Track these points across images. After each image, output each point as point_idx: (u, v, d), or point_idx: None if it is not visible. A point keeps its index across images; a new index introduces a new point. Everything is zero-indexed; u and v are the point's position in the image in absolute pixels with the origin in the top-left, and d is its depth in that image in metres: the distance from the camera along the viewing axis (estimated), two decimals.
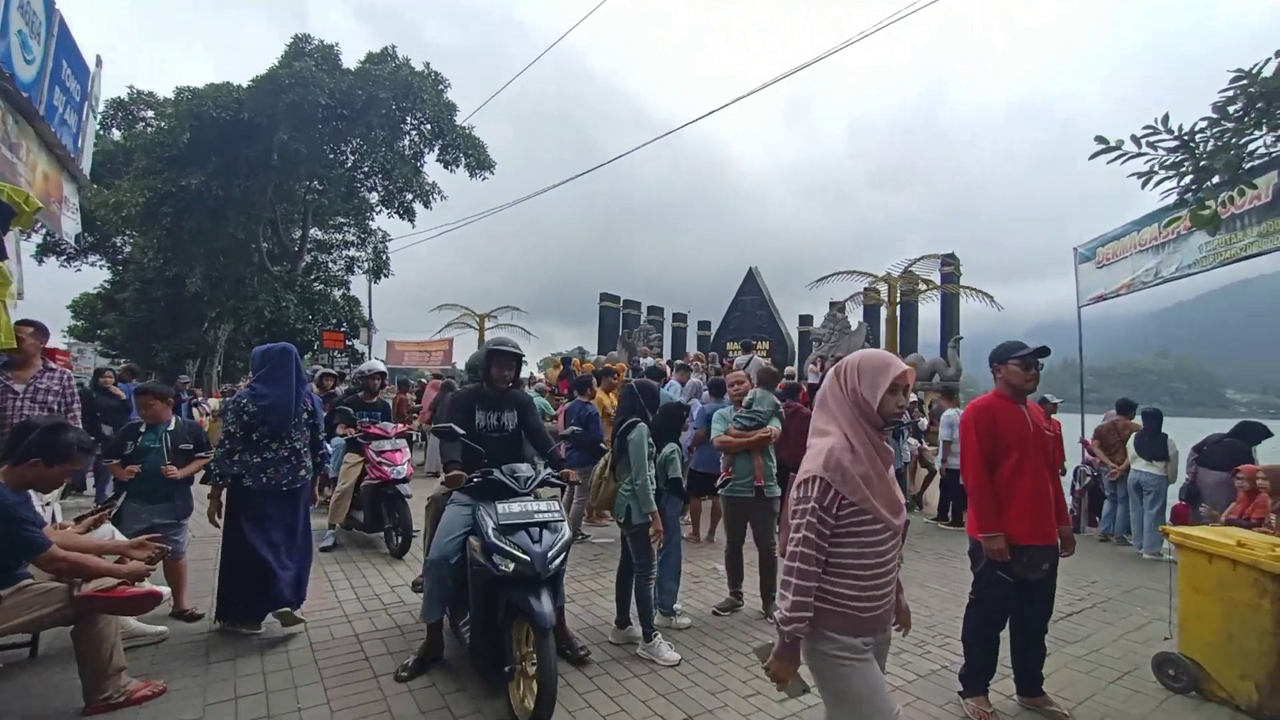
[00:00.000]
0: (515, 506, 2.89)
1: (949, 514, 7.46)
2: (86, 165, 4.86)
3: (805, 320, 16.84)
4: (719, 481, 4.32)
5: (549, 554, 2.74)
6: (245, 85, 17.86)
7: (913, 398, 10.69)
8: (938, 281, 9.41)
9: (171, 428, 3.76)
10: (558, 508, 2.97)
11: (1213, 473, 5.67)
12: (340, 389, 8.52)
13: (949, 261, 12.95)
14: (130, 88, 20.67)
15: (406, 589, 4.41)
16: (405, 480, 5.30)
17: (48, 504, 3.58)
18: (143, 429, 3.75)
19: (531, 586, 2.66)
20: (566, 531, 2.92)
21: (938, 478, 8.52)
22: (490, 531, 2.77)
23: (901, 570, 1.97)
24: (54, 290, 28.47)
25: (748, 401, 4.34)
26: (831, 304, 15.51)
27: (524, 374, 14.76)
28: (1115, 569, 5.70)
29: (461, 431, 3.10)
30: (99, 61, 4.61)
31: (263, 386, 3.48)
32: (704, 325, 18.86)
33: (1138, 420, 7.02)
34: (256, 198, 19.39)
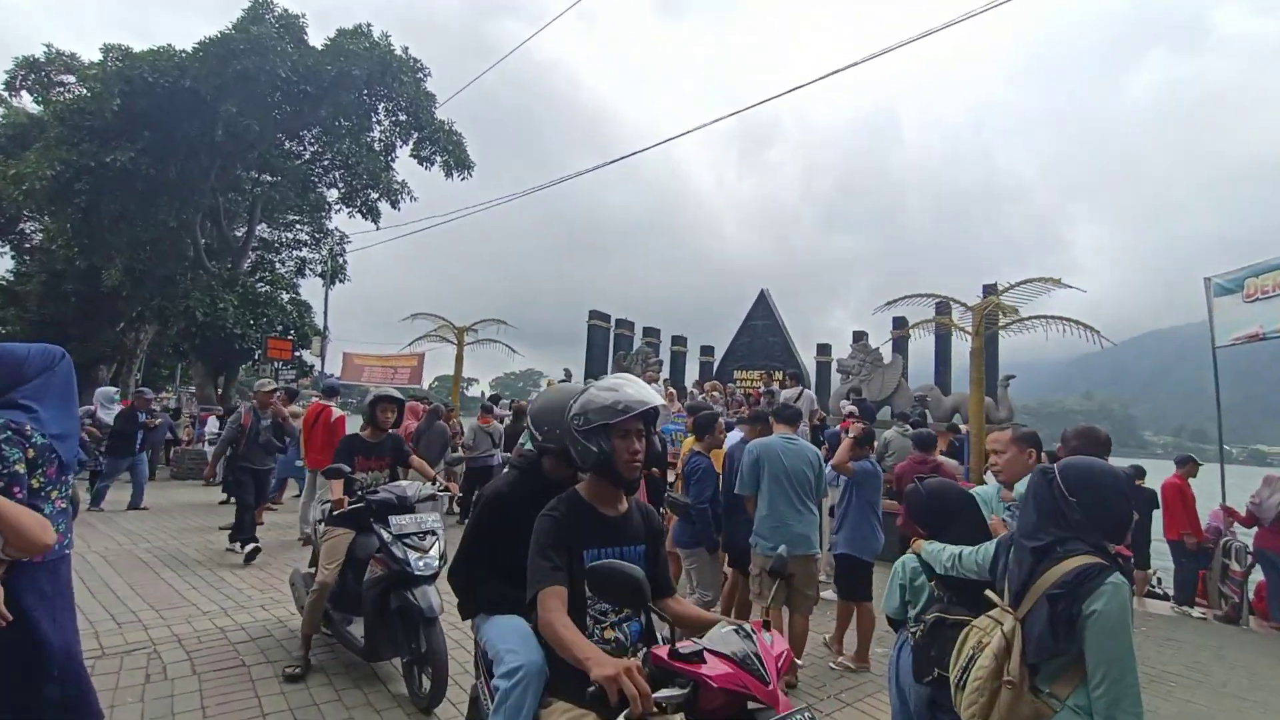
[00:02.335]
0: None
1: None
2: None
3: (823, 349, 15.44)
4: None
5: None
6: (189, 50, 15.38)
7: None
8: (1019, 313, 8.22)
9: None
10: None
11: None
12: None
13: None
14: (48, 46, 17.76)
15: None
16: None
17: None
18: None
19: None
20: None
21: None
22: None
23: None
24: None
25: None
26: (855, 334, 14.16)
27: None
28: None
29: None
30: None
31: (45, 409, 2.04)
32: (706, 350, 17.23)
33: None
34: (196, 182, 16.73)
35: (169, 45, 15.81)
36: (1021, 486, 2.58)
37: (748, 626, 1.53)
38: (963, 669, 1.72)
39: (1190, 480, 6.84)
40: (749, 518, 3.90)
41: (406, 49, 17.98)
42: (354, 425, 8.59)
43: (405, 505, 3.39)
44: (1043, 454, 2.83)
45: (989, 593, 1.82)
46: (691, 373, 17.25)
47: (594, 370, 17.02)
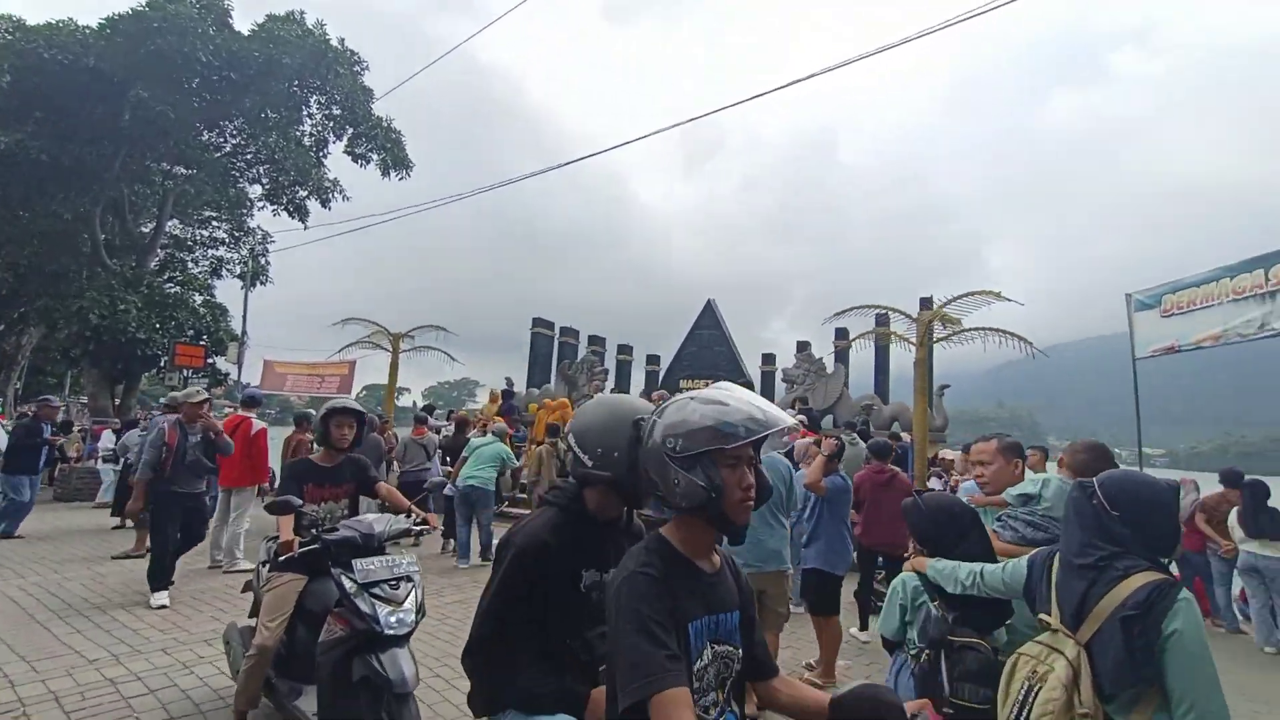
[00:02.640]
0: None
1: None
2: None
3: (768, 359, 15.64)
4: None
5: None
6: (95, 26, 14.01)
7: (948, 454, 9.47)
8: (965, 324, 8.53)
9: None
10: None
11: None
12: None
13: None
14: None
15: None
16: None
17: None
18: None
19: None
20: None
21: None
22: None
23: None
24: None
25: (1031, 492, 2.52)
26: (799, 344, 14.42)
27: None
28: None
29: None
30: None
31: None
32: (652, 360, 17.12)
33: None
34: (96, 171, 15.16)
35: (70, 19, 14.38)
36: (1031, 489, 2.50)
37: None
38: (1019, 703, 1.55)
39: None
40: None
41: (343, 40, 17.10)
42: (276, 439, 7.86)
43: (372, 545, 2.68)
44: (1026, 464, 2.78)
45: (1044, 616, 1.67)
46: (637, 383, 17.10)
47: (536, 380, 16.59)
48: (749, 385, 9.23)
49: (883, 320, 12.59)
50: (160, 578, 4.96)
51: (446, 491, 7.71)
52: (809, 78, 9.12)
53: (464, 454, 7.36)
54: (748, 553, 3.56)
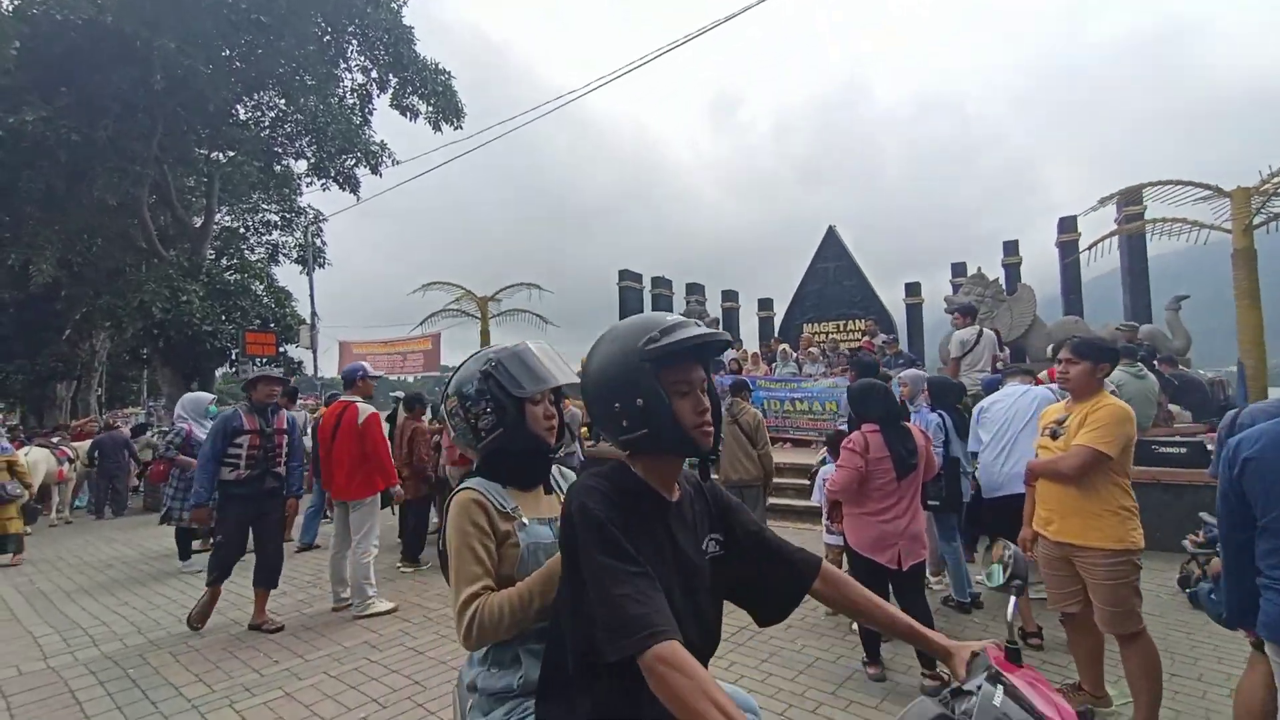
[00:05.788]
0: None
1: None
2: None
3: (912, 289, 13.16)
4: None
5: None
6: None
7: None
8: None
9: None
10: None
11: None
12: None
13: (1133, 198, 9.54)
14: None
15: None
16: None
17: None
18: None
19: None
20: None
21: None
22: None
23: None
24: None
25: None
26: (954, 265, 11.95)
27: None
28: None
29: None
30: None
31: None
32: (765, 304, 14.87)
33: None
34: (135, 149, 13.79)
35: None
36: None
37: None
38: None
39: None
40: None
41: None
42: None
43: None
44: None
45: None
46: (749, 332, 14.94)
47: None
48: (970, 310, 6.91)
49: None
50: None
51: None
52: None
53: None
54: None
